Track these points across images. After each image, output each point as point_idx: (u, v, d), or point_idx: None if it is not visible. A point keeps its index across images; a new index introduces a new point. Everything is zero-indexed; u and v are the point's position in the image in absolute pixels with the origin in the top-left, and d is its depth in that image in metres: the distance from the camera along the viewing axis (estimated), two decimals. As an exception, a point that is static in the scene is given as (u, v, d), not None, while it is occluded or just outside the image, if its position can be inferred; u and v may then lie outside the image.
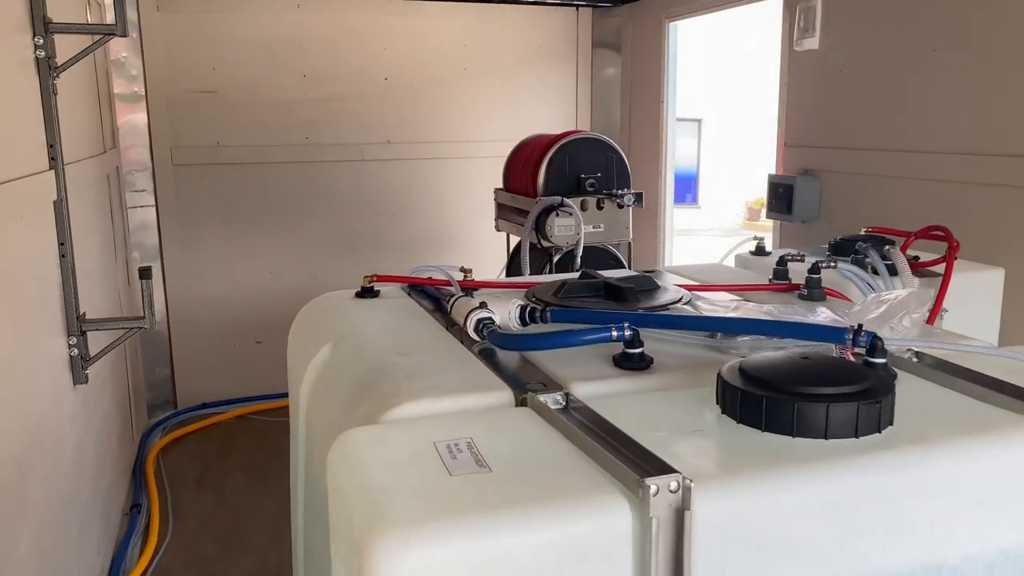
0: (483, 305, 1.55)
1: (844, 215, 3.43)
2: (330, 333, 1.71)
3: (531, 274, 3.83)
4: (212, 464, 4.13)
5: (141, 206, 4.56)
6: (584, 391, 1.27)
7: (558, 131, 4.28)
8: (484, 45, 5.08)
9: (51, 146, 2.44)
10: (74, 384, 2.58)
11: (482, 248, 4.99)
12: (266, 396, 4.83)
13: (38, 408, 2.13)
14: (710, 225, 17.78)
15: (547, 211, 3.78)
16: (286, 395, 5.46)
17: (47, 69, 2.37)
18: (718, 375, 1.17)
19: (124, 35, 2.54)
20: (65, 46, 2.53)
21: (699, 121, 19.18)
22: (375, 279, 1.96)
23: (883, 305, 1.51)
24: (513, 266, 4.30)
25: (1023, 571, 1.10)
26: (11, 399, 1.91)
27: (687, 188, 19.80)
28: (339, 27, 4.77)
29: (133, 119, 4.49)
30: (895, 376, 1.29)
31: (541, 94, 5.27)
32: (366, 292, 1.95)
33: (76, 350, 2.54)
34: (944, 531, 1.04)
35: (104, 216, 3.68)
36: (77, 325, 2.52)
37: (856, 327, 1.31)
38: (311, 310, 1.96)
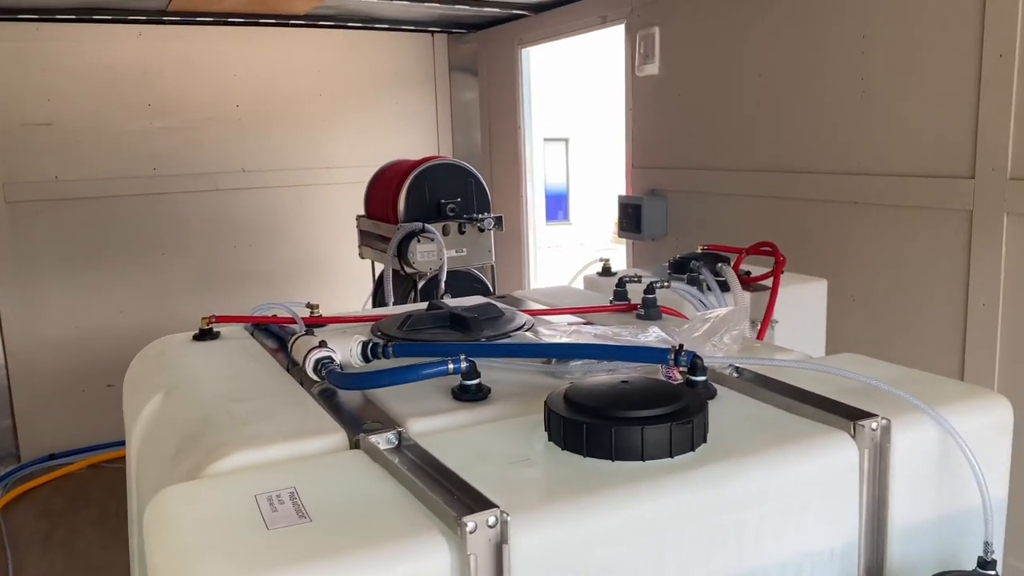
0: (322, 344, 1.53)
1: (690, 232, 3.61)
2: (163, 380, 1.64)
3: (395, 301, 3.81)
4: (61, 520, 3.86)
5: (-29, 246, 4.24)
6: (420, 427, 1.28)
7: (420, 155, 4.29)
8: (339, 71, 5.04)
9: None
10: None
11: (348, 276, 4.92)
12: (120, 443, 4.54)
13: None
14: (581, 240, 18.22)
15: (408, 237, 3.77)
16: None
17: None
18: (545, 403, 1.20)
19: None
20: None
21: (566, 140, 19.68)
22: (214, 320, 1.90)
23: (707, 323, 1.59)
24: (379, 294, 4.26)
25: (827, 569, 1.18)
26: None
27: (558, 205, 20.25)
28: (184, 55, 4.61)
29: (-42, 154, 4.17)
30: (714, 393, 1.36)
31: (401, 118, 5.27)
32: (205, 334, 1.89)
33: None
34: (753, 540, 1.11)
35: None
36: None
37: (678, 347, 1.38)
38: (146, 355, 1.88)
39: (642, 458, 1.09)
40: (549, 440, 1.17)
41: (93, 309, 4.58)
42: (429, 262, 3.78)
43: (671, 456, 1.10)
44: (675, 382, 1.39)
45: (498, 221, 3.96)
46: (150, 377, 1.71)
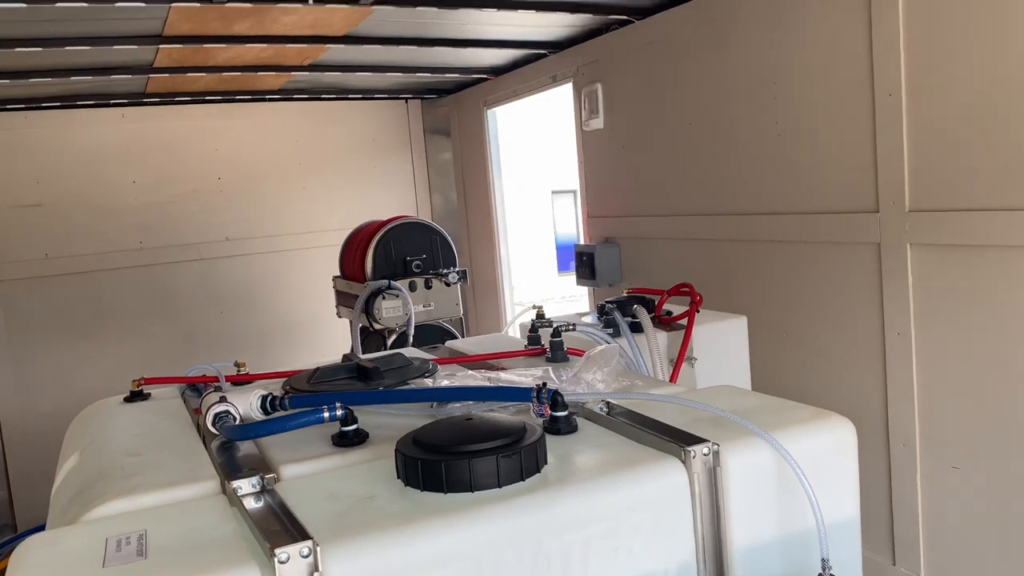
0: (222, 399, 1.63)
1: (641, 276, 3.70)
2: (84, 440, 1.74)
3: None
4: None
5: (-37, 325, 4.42)
6: (292, 472, 1.37)
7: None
8: (318, 139, 5.25)
9: None
10: None
11: (329, 335, 5.05)
12: (113, 509, 4.65)
13: None
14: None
15: (374, 295, 3.89)
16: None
17: None
18: (396, 444, 1.29)
19: None
20: None
21: (575, 192, 19.86)
22: (143, 382, 2.01)
23: (585, 362, 1.68)
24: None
25: (664, 590, 1.24)
26: None
27: (570, 256, 20.37)
28: (166, 133, 4.84)
29: (-51, 238, 4.38)
30: (575, 427, 1.44)
31: (380, 182, 5.45)
32: (135, 396, 2.00)
33: None
34: (581, 563, 1.18)
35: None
36: None
37: (540, 386, 1.47)
38: (81, 418, 1.99)
39: (471, 489, 1.17)
40: (397, 478, 1.25)
41: (85, 380, 4.72)
42: (395, 317, 3.89)
43: (499, 486, 1.18)
44: (544, 418, 1.47)
45: (463, 275, 4.08)
46: (77, 438, 1.82)
